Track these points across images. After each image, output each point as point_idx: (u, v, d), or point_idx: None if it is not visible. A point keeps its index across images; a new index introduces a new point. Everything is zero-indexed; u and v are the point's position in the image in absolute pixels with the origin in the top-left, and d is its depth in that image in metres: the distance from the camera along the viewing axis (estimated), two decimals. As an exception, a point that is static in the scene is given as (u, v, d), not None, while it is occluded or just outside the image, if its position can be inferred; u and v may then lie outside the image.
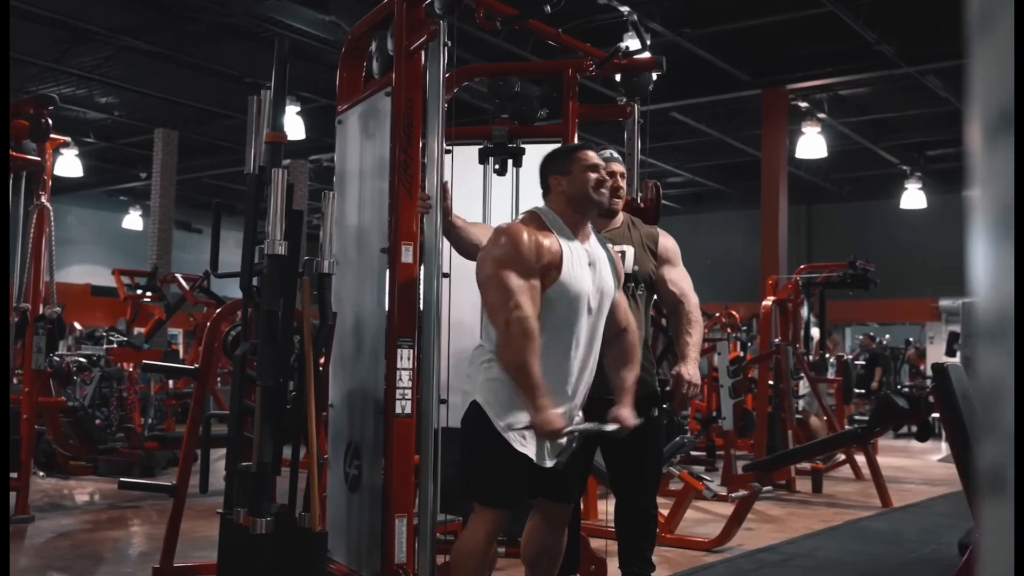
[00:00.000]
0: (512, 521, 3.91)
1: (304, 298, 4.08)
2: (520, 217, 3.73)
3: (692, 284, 4.30)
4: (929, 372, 19.37)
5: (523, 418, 3.45)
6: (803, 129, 15.16)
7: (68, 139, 8.40)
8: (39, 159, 6.85)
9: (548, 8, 4.16)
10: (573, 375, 3.56)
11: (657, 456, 4.25)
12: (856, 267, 10.24)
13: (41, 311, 6.75)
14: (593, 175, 3.64)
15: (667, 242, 4.31)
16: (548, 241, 3.52)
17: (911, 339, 21.50)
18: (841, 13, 11.12)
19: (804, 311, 10.81)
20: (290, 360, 4.07)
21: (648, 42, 4.99)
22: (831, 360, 12.87)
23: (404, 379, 4.00)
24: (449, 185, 4.00)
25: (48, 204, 6.83)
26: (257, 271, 4.08)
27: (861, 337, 20.53)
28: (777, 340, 9.65)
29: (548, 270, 3.48)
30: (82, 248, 22.51)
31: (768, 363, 9.54)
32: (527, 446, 3.47)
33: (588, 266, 3.60)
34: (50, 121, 6.55)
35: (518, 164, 4.99)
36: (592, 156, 3.69)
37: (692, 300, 4.25)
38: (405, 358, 4.01)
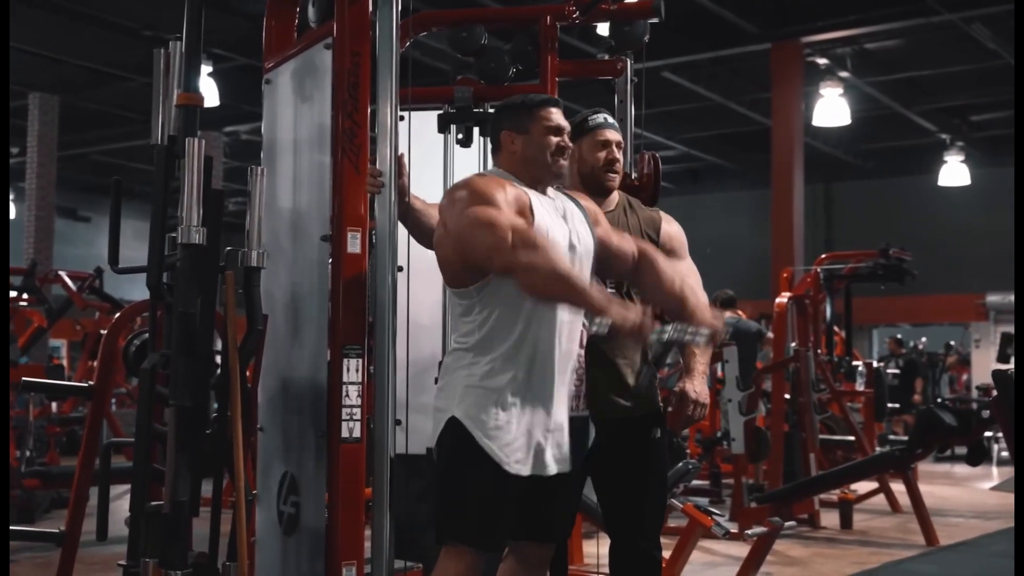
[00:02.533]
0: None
1: (228, 297, 4.00)
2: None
3: (700, 280, 4.26)
4: (976, 383, 19.52)
5: (511, 428, 3.42)
6: (821, 91, 15.14)
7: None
8: None
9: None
10: (559, 354, 3.53)
11: (660, 488, 4.22)
12: (889, 256, 10.19)
13: None
14: (554, 139, 3.61)
15: (671, 229, 4.27)
16: (511, 187, 3.51)
17: (952, 343, 21.40)
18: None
19: (827, 310, 10.75)
20: (211, 374, 4.00)
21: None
22: (860, 369, 12.78)
23: (352, 395, 3.91)
24: (405, 159, 3.96)
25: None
26: (169, 265, 4.00)
27: (887, 340, 20.41)
28: (795, 345, 9.62)
29: (521, 214, 3.46)
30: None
31: (784, 373, 9.52)
32: (526, 463, 3.44)
33: (560, 217, 3.61)
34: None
35: (485, 133, 4.92)
36: (556, 115, 3.65)
37: (702, 300, 4.21)
38: (353, 369, 3.93)
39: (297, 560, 4.15)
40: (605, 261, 3.74)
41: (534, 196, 3.55)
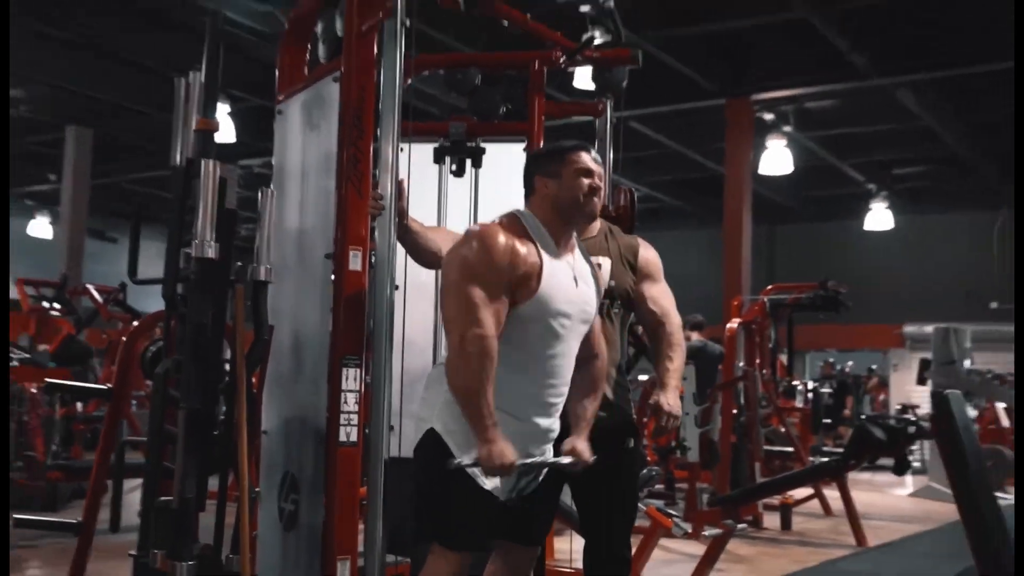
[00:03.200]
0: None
1: (237, 309, 3.79)
2: (498, 219, 3.43)
3: (675, 302, 4.08)
4: (894, 402, 19.57)
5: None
6: (767, 144, 15.08)
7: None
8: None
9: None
10: (548, 405, 3.34)
11: (633, 493, 4.02)
12: (827, 289, 10.13)
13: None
14: (586, 181, 3.42)
15: (648, 254, 4.09)
16: (526, 250, 3.28)
17: (874, 367, 21.45)
18: (814, 20, 11.02)
19: (771, 336, 10.65)
20: (219, 380, 3.78)
21: (623, 34, 4.75)
22: (800, 388, 12.75)
23: (350, 402, 3.71)
24: (405, 184, 3.75)
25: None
26: (183, 278, 3.79)
27: (822, 364, 20.44)
28: (742, 365, 9.49)
29: (524, 282, 3.24)
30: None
31: (733, 390, 9.37)
32: (494, 480, 3.23)
33: (572, 280, 3.39)
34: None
35: (477, 164, 4.77)
36: (587, 160, 3.46)
37: (674, 321, 4.02)
38: (351, 378, 3.72)
39: (296, 554, 3.93)
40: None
41: (548, 260, 3.31)
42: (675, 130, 15.60)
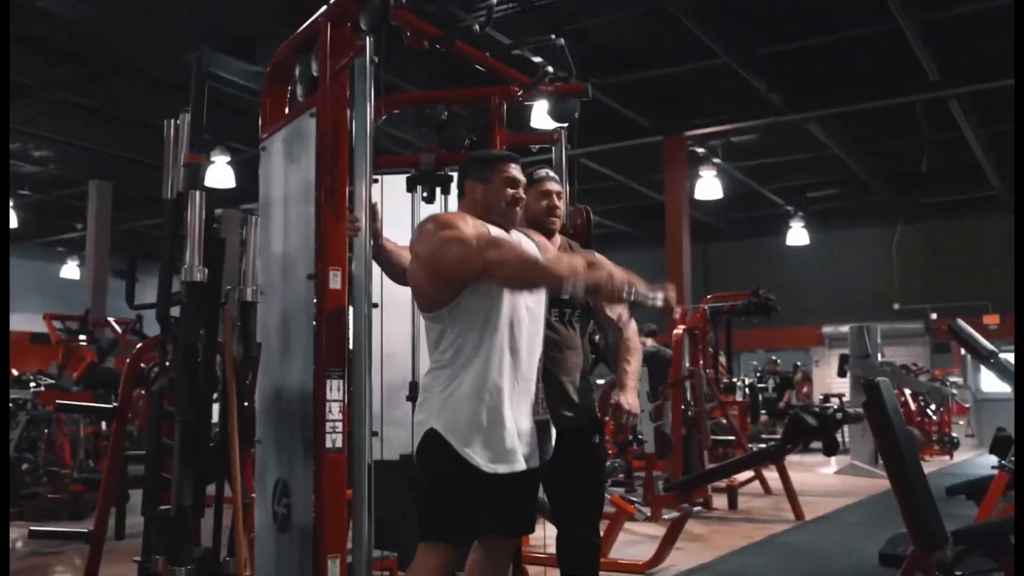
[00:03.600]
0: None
1: (226, 328, 3.50)
2: None
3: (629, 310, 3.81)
4: (817, 392, 19.42)
5: (491, 440, 2.96)
6: (701, 173, 14.94)
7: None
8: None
9: (477, 28, 3.70)
10: (524, 365, 3.10)
11: (600, 485, 3.74)
12: (760, 296, 9.94)
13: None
14: (510, 191, 3.17)
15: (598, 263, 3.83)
16: (471, 219, 3.09)
17: (799, 363, 21.35)
18: (735, 64, 10.88)
19: (712, 339, 10.43)
20: (212, 394, 3.47)
21: (574, 70, 4.50)
22: (740, 384, 12.57)
23: (334, 411, 3.41)
24: (379, 207, 3.47)
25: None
26: (176, 301, 3.50)
27: (767, 363, 20.41)
28: (688, 365, 9.25)
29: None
30: (21, 298, 21.18)
31: (681, 388, 9.12)
32: (499, 461, 2.97)
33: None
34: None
35: (446, 191, 4.50)
36: (514, 170, 3.20)
37: (631, 326, 3.77)
38: (335, 389, 3.43)
39: (290, 554, 3.61)
40: None
41: (493, 228, 3.09)
42: (620, 164, 15.44)
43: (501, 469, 2.95)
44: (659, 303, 3.03)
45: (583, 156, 14.34)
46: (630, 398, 3.56)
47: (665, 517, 5.61)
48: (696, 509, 8.09)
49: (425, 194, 4.51)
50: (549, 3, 9.63)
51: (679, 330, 9.44)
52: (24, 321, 20.25)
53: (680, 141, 13.74)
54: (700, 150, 14.59)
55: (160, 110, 12.39)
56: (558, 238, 3.77)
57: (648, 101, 12.80)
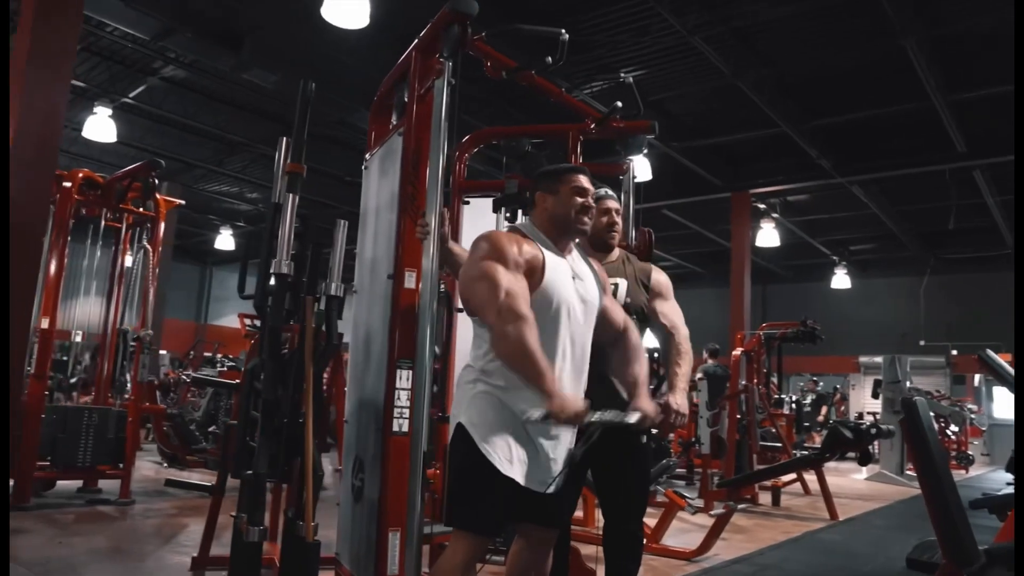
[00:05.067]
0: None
1: (307, 317, 2.97)
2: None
3: (683, 317, 3.12)
4: (853, 411, 17.99)
5: (510, 439, 2.28)
6: (762, 225, 13.95)
7: (182, 202, 7.43)
8: (152, 214, 5.86)
9: (549, 60, 3.09)
10: (561, 374, 2.35)
11: (644, 481, 3.02)
12: (806, 325, 8.94)
13: (140, 334, 5.68)
14: (579, 199, 2.49)
15: (660, 277, 3.14)
16: (528, 246, 2.39)
17: (837, 386, 19.87)
18: (791, 133, 10.00)
19: (765, 361, 9.47)
20: (291, 375, 2.94)
21: (641, 107, 3.86)
22: (786, 399, 11.49)
23: (403, 399, 2.87)
24: (447, 213, 2.89)
25: (148, 247, 5.80)
26: (270, 292, 2.99)
27: (805, 383, 19.10)
28: (743, 382, 8.35)
29: (531, 271, 2.34)
30: (237, 303, 21.64)
31: (737, 401, 8.22)
32: (513, 469, 2.28)
33: (571, 278, 2.45)
34: (156, 181, 5.56)
35: (527, 213, 3.87)
36: (582, 180, 2.53)
37: (682, 332, 3.06)
38: (404, 379, 2.88)
39: (362, 522, 3.08)
40: (601, 322, 2.57)
41: (550, 257, 2.42)
42: (695, 215, 14.58)
43: (518, 478, 2.29)
44: (631, 420, 2.32)
45: (665, 208, 13.66)
46: (678, 399, 2.87)
47: (712, 513, 4.80)
48: (743, 505, 7.20)
49: (508, 214, 3.95)
50: (636, 79, 8.96)
51: (737, 352, 8.58)
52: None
53: (745, 197, 12.82)
54: (762, 205, 13.62)
55: (336, 161, 12.45)
56: (617, 251, 3.12)
57: (719, 163, 11.96)
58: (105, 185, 5.60)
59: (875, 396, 12.18)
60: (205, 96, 10.75)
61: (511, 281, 2.25)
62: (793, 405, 11.51)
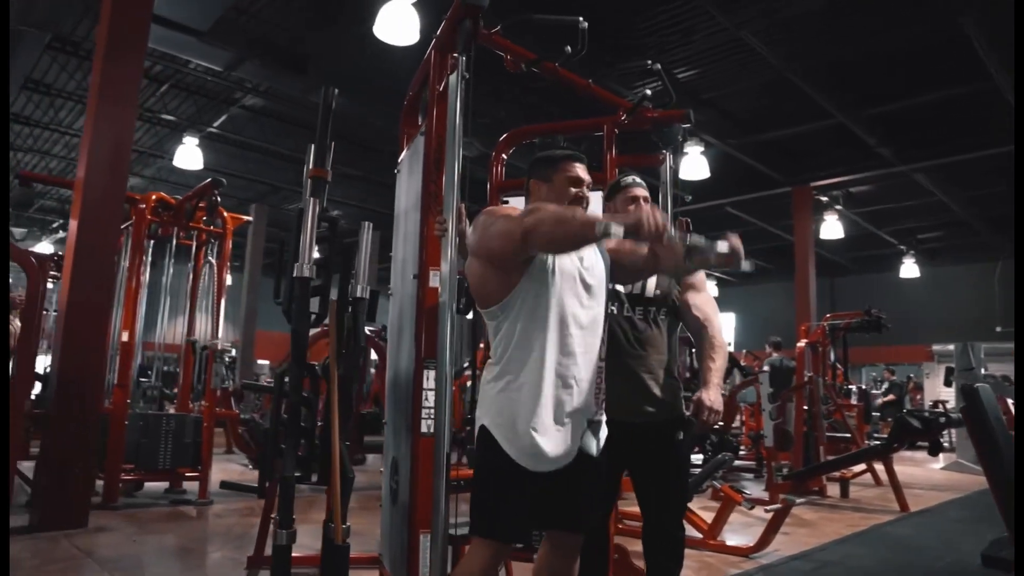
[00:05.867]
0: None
1: (331, 319, 2.80)
2: None
3: (717, 309, 2.80)
4: (927, 400, 16.90)
5: (530, 438, 2.03)
6: (825, 217, 13.21)
7: (249, 218, 7.46)
8: (220, 231, 5.86)
9: (568, 49, 2.85)
10: (578, 367, 2.11)
11: (682, 479, 2.72)
12: (871, 314, 8.35)
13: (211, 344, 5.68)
14: (573, 190, 2.22)
15: None
16: None
17: (911, 375, 18.74)
18: (848, 123, 9.40)
19: (831, 352, 8.89)
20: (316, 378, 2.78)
21: (673, 94, 3.56)
22: (854, 389, 10.82)
23: (430, 399, 2.66)
24: (465, 209, 2.68)
25: (214, 262, 5.79)
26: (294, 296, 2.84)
27: (879, 373, 18.17)
28: (809, 373, 7.84)
29: None
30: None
31: (803, 392, 7.72)
32: (544, 460, 2.04)
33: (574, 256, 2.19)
34: (218, 199, 5.55)
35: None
36: (578, 169, 2.26)
37: (716, 324, 2.74)
38: (431, 379, 2.67)
39: (396, 523, 2.89)
40: (623, 262, 2.34)
41: None
42: (757, 211, 13.93)
43: (544, 468, 2.05)
44: (723, 249, 1.97)
45: (728, 205, 13.11)
46: (712, 395, 2.57)
47: (767, 509, 4.41)
48: (810, 497, 6.71)
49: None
50: (688, 79, 8.58)
51: (802, 343, 8.08)
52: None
53: (806, 191, 12.19)
54: (824, 198, 12.90)
55: (379, 161, 12.47)
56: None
57: (778, 157, 11.33)
58: (176, 205, 5.64)
59: (947, 384, 11.34)
60: (282, 121, 10.89)
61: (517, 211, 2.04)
62: (862, 395, 10.78)
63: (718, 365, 2.65)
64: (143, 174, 13.22)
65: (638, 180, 2.83)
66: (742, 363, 11.65)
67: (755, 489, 7.19)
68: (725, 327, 21.61)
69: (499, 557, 2.08)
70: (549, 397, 2.06)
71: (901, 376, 18.43)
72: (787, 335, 10.84)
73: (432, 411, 2.68)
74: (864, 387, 13.25)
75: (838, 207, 13.20)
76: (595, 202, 3.26)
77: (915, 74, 8.52)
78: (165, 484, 5.77)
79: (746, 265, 1.98)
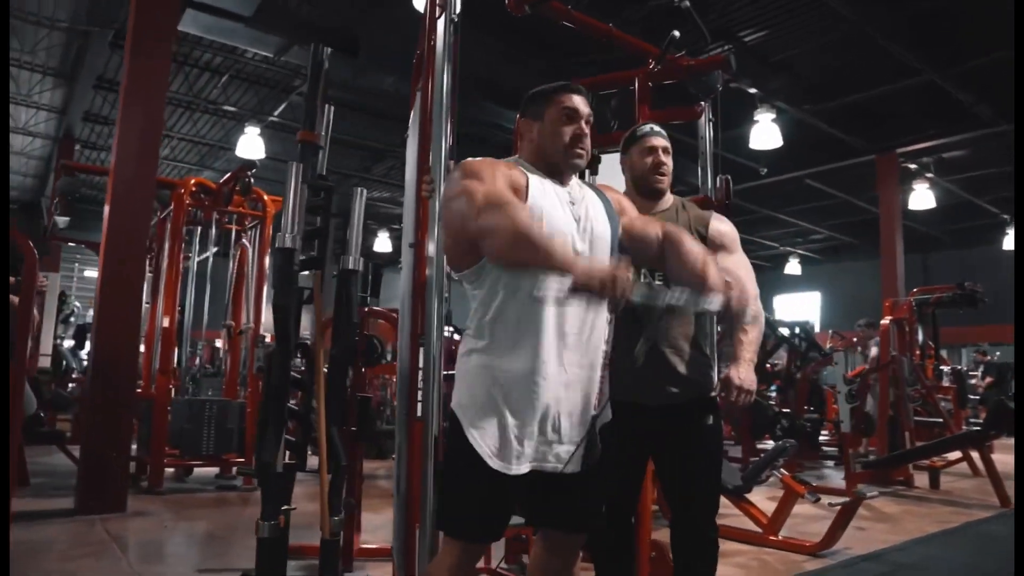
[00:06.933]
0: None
1: (315, 291, 2.56)
2: None
3: (752, 272, 2.41)
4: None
5: (501, 421, 1.71)
6: (914, 187, 12.22)
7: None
8: (261, 213, 5.78)
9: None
10: (567, 343, 1.76)
11: (712, 470, 2.35)
12: (964, 288, 7.60)
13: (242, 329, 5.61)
14: (569, 126, 1.85)
15: (721, 226, 2.43)
16: (507, 168, 1.80)
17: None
18: (938, 80, 8.55)
19: (919, 329, 8.17)
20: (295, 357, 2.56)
21: (707, 34, 3.15)
22: (947, 371, 9.96)
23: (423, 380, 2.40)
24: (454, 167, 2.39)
25: (247, 244, 5.70)
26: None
27: (975, 353, 16.86)
28: (894, 352, 7.20)
29: (512, 190, 1.74)
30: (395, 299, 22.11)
31: (887, 372, 7.09)
32: (510, 459, 1.71)
33: (567, 203, 1.83)
34: (251, 180, 5.46)
35: (594, 172, 3.31)
36: (575, 100, 1.88)
37: (750, 291, 2.33)
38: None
39: (399, 514, 2.64)
40: (632, 247, 1.94)
41: (536, 180, 1.81)
42: (839, 182, 13.02)
43: (508, 469, 1.72)
44: (712, 307, 1.69)
45: (807, 177, 12.32)
46: (742, 372, 2.19)
47: (833, 502, 3.95)
48: (892, 489, 6.13)
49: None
50: (755, 41, 8.00)
51: (886, 320, 7.43)
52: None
53: (892, 159, 11.28)
54: (912, 165, 11.90)
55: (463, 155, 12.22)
56: (670, 198, 2.47)
57: (859, 123, 10.49)
58: (216, 190, 5.59)
59: (1059, 365, 10.27)
60: (341, 106, 10.78)
61: (490, 186, 1.69)
62: (957, 377, 9.90)
63: (750, 338, 2.27)
64: (213, 167, 13.50)
65: (656, 129, 2.48)
66: (829, 345, 10.95)
67: (836, 478, 6.65)
68: (810, 306, 20.59)
69: (470, 557, 1.79)
70: (529, 382, 1.74)
71: (1006, 356, 17.07)
72: (875, 314, 10.09)
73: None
74: (961, 368, 12.21)
75: (928, 175, 12.19)
76: (611, 165, 2.92)
77: (1011, 19, 7.64)
78: (215, 470, 5.76)
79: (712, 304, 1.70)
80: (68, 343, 10.08)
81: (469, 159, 1.84)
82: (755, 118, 9.26)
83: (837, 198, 13.86)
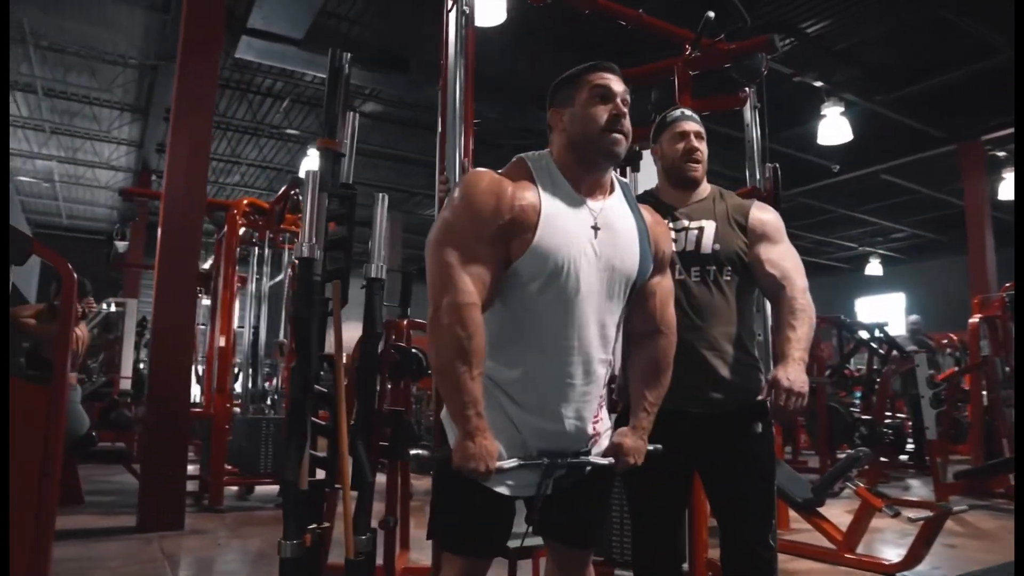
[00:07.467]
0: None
1: (335, 302, 2.47)
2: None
3: (800, 264, 2.19)
4: None
5: (493, 430, 1.52)
6: (1003, 176, 11.44)
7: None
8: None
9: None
10: (569, 387, 1.60)
11: (763, 483, 2.13)
12: (1063, 281, 6.97)
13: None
14: (602, 107, 1.61)
15: (762, 215, 2.20)
16: (521, 193, 1.57)
17: None
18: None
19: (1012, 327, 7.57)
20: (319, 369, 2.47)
21: (747, 17, 2.93)
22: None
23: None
24: (470, 167, 2.27)
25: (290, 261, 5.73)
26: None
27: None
28: (985, 353, 6.68)
29: (516, 230, 1.54)
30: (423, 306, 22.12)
31: (979, 375, 6.57)
32: (501, 480, 1.57)
33: (589, 228, 1.61)
34: (299, 196, 5.49)
35: (636, 169, 3.16)
36: (608, 78, 1.64)
37: (798, 284, 2.10)
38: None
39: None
40: (638, 306, 1.77)
41: (551, 201, 1.58)
42: (919, 176, 12.30)
43: (501, 490, 1.59)
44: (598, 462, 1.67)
45: (883, 172, 11.69)
46: (791, 372, 1.95)
47: (912, 516, 3.60)
48: (990, 502, 5.63)
49: (616, 170, 3.22)
50: (818, 31, 7.63)
51: (975, 318, 6.91)
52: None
53: (976, 147, 10.57)
54: (1000, 153, 11.13)
55: (500, 162, 12.10)
56: (706, 187, 2.28)
57: (937, 111, 9.91)
58: (268, 209, 5.65)
59: None
60: (403, 125, 10.95)
61: (462, 269, 1.51)
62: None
63: (799, 334, 2.04)
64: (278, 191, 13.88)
65: (688, 113, 2.30)
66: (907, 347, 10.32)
67: (924, 489, 6.18)
68: (895, 308, 19.57)
69: (474, 573, 1.64)
70: (514, 393, 1.59)
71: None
72: (965, 313, 9.45)
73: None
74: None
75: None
76: (647, 162, 2.75)
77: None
78: (277, 488, 5.78)
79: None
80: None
81: (476, 173, 1.62)
82: (822, 112, 8.86)
83: (918, 193, 13.12)
